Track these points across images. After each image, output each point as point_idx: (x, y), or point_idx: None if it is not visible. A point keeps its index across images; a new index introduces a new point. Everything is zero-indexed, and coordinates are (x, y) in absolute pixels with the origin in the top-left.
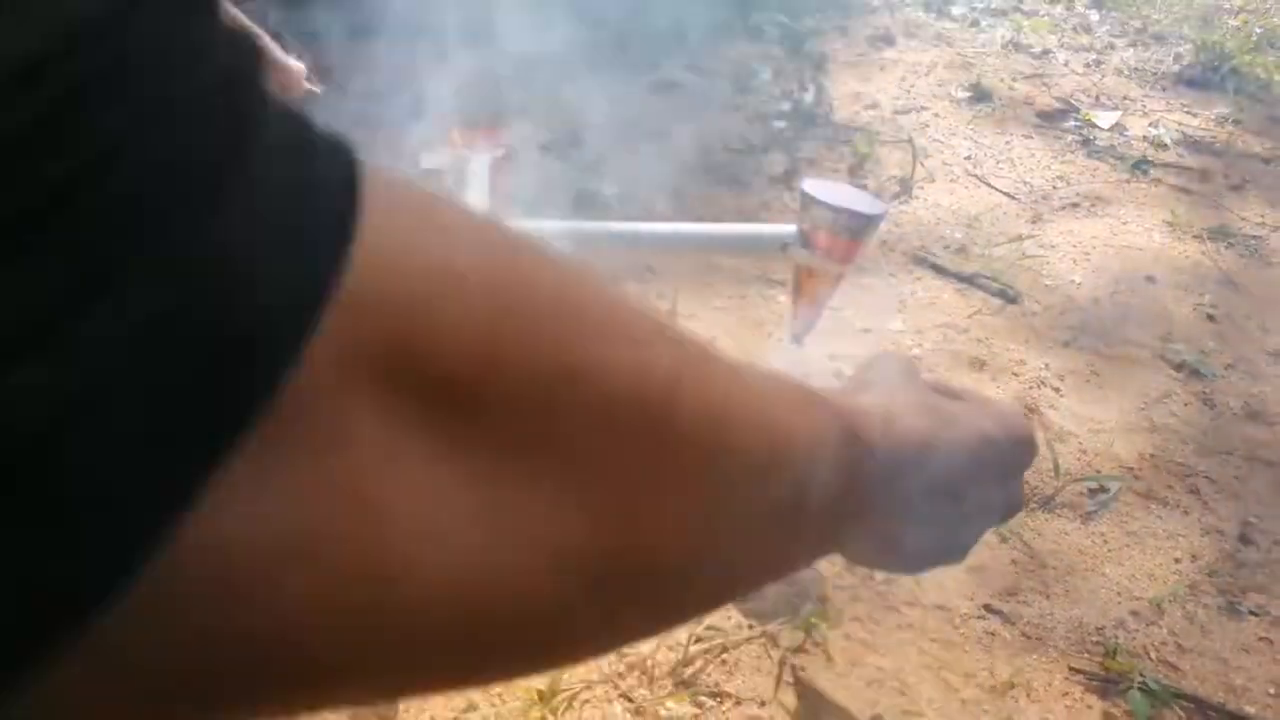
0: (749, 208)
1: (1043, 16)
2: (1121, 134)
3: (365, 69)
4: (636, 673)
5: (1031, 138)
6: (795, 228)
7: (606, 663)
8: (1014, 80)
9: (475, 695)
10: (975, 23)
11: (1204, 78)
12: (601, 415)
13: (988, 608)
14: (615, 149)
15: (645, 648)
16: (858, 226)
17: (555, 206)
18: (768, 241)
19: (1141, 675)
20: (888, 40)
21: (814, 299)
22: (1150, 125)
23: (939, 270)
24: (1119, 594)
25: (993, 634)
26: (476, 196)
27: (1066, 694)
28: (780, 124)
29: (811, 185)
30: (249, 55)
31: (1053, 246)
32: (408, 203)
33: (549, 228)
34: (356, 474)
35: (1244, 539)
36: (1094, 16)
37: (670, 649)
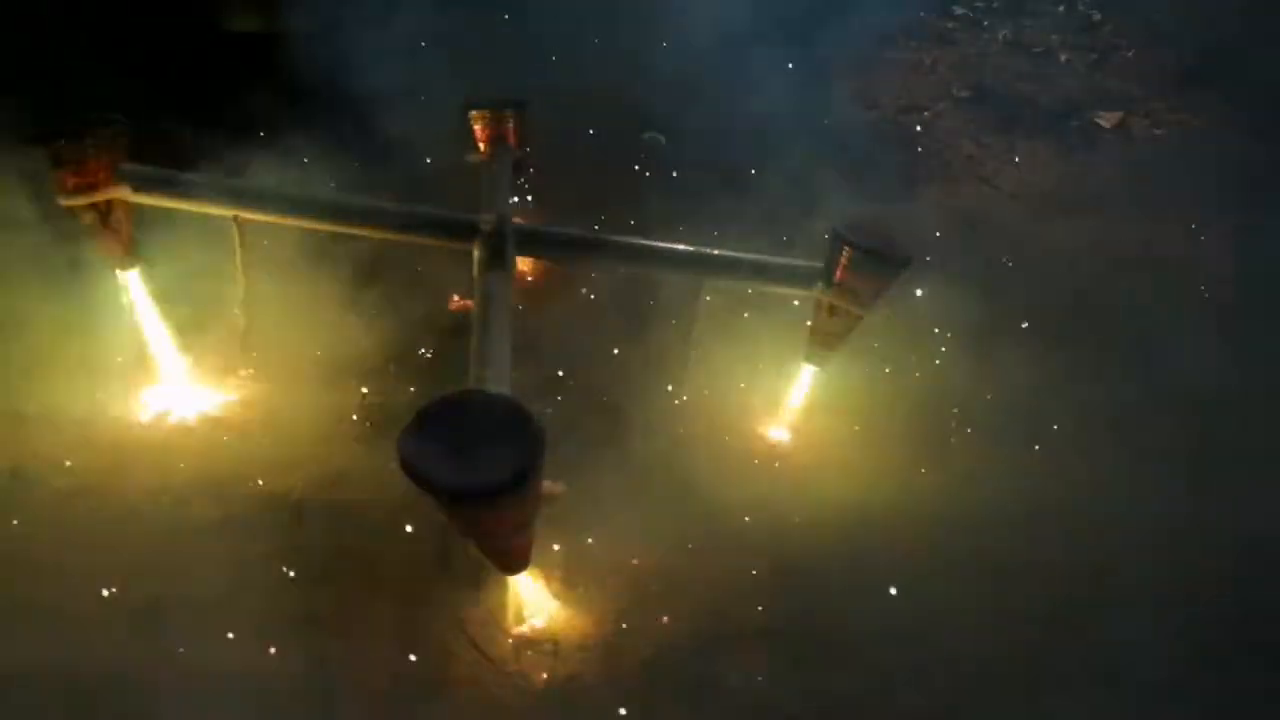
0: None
1: (1045, 16)
2: (1124, 134)
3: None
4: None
5: (1034, 138)
6: (822, 264)
7: None
8: (1016, 80)
9: None
10: (977, 22)
11: (1208, 77)
12: None
13: None
14: None
15: None
16: (884, 272)
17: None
18: (795, 275)
19: None
20: (889, 39)
21: (833, 335)
22: (1153, 125)
23: (941, 270)
24: None
25: None
26: (500, 195)
27: None
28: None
29: (843, 225)
30: None
31: (1055, 247)
32: None
33: (574, 237)
34: None
35: None
36: (1096, 16)
37: None
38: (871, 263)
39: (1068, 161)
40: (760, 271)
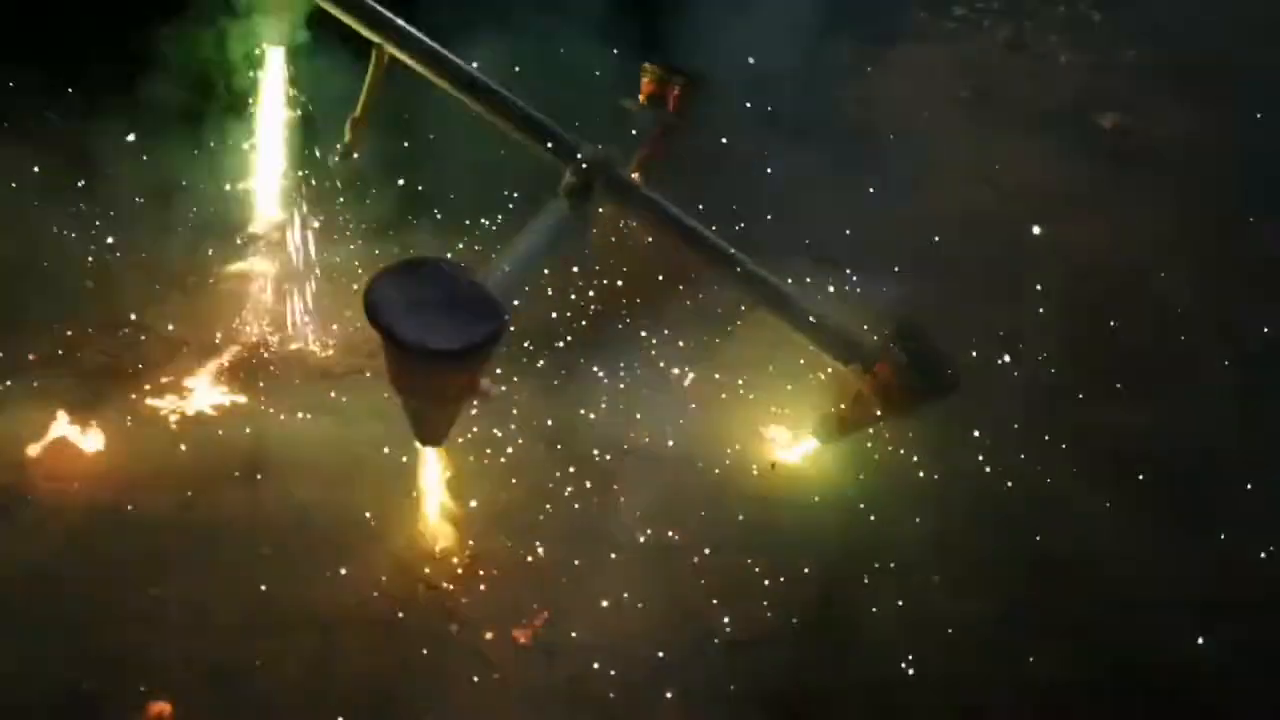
0: None
1: (1045, 16)
2: (1124, 134)
3: None
4: None
5: (1033, 138)
6: (874, 344)
7: None
8: (1016, 80)
9: None
10: (977, 23)
11: (1208, 77)
12: None
13: None
14: None
15: None
16: (924, 388)
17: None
18: (845, 347)
19: None
20: (889, 40)
21: (847, 421)
22: (1154, 125)
23: (942, 269)
24: None
25: None
26: (627, 146)
27: None
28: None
29: (908, 322)
30: None
31: (1054, 246)
32: None
33: (662, 211)
34: None
35: None
36: (1096, 16)
37: None
38: (918, 376)
39: (1068, 162)
40: (814, 324)
